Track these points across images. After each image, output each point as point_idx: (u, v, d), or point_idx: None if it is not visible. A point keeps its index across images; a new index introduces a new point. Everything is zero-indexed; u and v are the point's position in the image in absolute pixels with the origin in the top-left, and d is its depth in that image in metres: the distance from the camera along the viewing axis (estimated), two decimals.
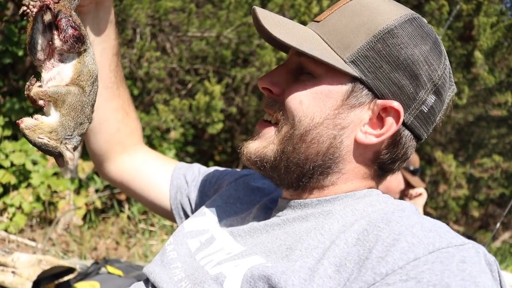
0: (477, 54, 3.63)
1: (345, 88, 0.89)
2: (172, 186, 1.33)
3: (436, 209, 5.83)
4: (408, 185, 2.84)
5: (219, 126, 3.86)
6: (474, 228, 6.88)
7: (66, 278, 1.76)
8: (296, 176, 0.94)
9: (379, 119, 0.90)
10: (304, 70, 0.93)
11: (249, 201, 1.14)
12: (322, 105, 0.90)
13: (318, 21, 0.94)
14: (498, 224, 3.14)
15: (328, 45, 0.89)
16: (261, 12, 0.90)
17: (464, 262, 0.66)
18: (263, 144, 0.95)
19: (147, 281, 1.03)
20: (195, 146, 6.04)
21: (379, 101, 0.89)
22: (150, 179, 1.35)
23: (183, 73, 4.35)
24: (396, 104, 0.88)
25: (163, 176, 1.35)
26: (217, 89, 3.70)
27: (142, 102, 4.72)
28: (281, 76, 0.96)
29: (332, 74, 0.89)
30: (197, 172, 1.36)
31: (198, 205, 1.28)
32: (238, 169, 1.35)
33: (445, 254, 0.67)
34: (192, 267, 0.94)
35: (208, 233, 1.05)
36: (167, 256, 1.03)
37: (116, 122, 1.29)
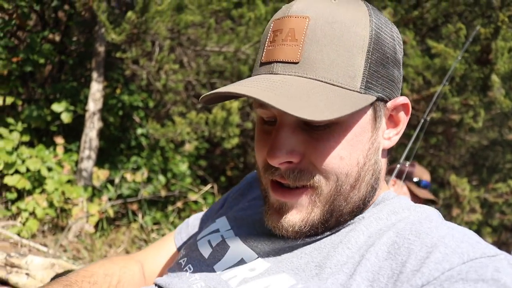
0: (494, 77, 3.63)
1: (369, 115, 0.83)
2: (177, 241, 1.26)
3: None
4: (415, 197, 2.82)
5: (235, 141, 3.88)
6: None
7: None
8: (348, 219, 0.87)
9: (390, 119, 0.89)
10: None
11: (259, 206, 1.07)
12: (361, 146, 0.83)
13: (294, 62, 0.79)
14: None
15: (336, 86, 0.78)
16: (265, 96, 0.73)
17: (499, 271, 0.65)
18: (304, 212, 0.84)
19: None
20: (207, 160, 6.06)
21: (389, 104, 0.87)
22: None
23: (200, 86, 4.40)
24: (402, 99, 0.88)
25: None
26: (235, 105, 3.73)
27: (158, 114, 4.77)
28: (291, 140, 0.81)
29: (357, 111, 0.80)
30: (193, 217, 1.30)
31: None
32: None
33: (479, 264, 0.66)
34: (213, 280, 0.89)
35: (217, 235, 1.01)
36: (180, 266, 0.99)
37: None
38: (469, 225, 5.77)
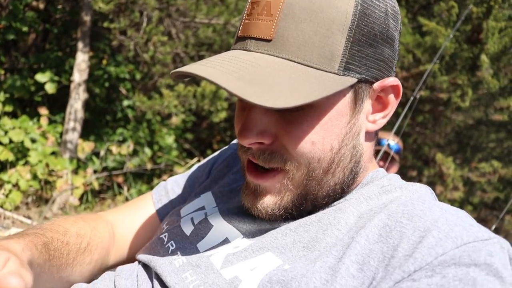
0: (483, 57, 3.63)
1: (348, 98, 0.78)
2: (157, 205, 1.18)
3: None
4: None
5: (223, 114, 3.85)
6: None
7: None
8: (328, 199, 0.85)
9: (378, 100, 0.83)
10: None
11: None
12: (337, 131, 0.79)
13: (267, 40, 0.74)
14: (492, 228, 3.17)
15: (310, 66, 0.73)
16: (224, 81, 0.68)
17: (492, 256, 0.65)
18: (277, 195, 0.82)
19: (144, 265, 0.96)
20: (194, 134, 6.03)
21: (376, 85, 0.80)
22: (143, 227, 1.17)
23: (188, 59, 4.33)
24: (392, 80, 0.81)
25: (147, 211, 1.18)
26: None
27: (145, 86, 4.71)
28: (262, 120, 0.77)
29: (332, 94, 0.76)
30: (174, 180, 1.22)
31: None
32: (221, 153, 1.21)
33: (472, 248, 0.65)
34: (195, 257, 0.87)
35: (202, 212, 0.98)
36: (163, 242, 0.96)
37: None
38: (451, 202, 5.87)
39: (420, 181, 5.97)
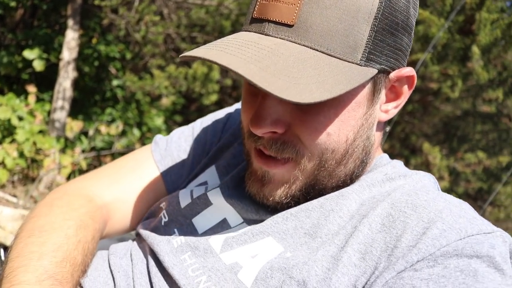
0: (475, 49, 3.65)
1: (367, 89, 0.76)
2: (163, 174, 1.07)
3: None
4: None
5: (214, 97, 3.83)
6: None
7: None
8: (335, 189, 0.83)
9: (391, 90, 0.81)
10: None
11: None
12: (353, 122, 0.76)
13: (288, 25, 0.70)
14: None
15: (333, 56, 0.70)
16: (248, 73, 0.64)
17: (494, 248, 0.65)
18: (286, 185, 0.80)
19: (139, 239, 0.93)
20: (183, 116, 6.00)
21: (392, 75, 0.78)
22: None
23: (179, 40, 4.29)
24: (408, 70, 0.79)
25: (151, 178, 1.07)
26: None
27: (135, 66, 4.66)
28: (277, 109, 0.74)
29: None
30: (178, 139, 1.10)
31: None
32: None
33: (475, 240, 0.65)
34: (194, 238, 0.85)
35: (202, 187, 0.94)
36: (161, 212, 0.93)
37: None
38: None
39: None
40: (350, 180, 0.83)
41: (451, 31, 3.70)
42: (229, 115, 1.13)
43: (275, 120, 0.74)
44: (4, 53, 4.25)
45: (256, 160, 0.81)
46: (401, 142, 5.93)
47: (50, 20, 4.91)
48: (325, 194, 0.82)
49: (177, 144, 1.10)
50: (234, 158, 1.01)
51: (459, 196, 6.83)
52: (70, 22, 4.19)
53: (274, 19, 0.70)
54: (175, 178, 1.07)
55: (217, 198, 0.91)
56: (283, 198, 0.80)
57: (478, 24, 3.52)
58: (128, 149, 4.75)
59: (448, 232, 0.66)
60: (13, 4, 4.18)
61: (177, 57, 4.56)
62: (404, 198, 0.75)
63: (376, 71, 0.73)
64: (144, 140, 5.17)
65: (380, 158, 0.89)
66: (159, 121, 5.12)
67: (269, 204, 0.82)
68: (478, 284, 0.61)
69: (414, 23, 0.81)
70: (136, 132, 5.03)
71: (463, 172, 6.06)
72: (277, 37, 0.70)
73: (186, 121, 6.20)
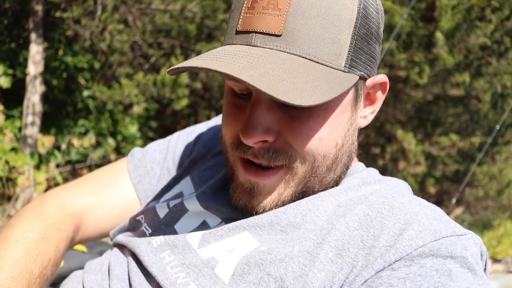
0: (438, 35, 3.72)
1: (351, 95, 0.79)
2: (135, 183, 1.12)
3: None
4: None
5: (184, 102, 3.81)
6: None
7: None
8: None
9: (367, 97, 0.85)
10: None
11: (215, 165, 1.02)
12: (340, 127, 0.79)
13: (276, 35, 0.72)
14: (453, 200, 3.29)
15: (321, 64, 0.73)
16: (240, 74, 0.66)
17: (466, 249, 0.68)
18: (277, 193, 0.81)
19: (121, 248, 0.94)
20: (158, 121, 5.97)
21: (368, 82, 0.82)
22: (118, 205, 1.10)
23: (146, 46, 4.26)
24: (382, 77, 0.84)
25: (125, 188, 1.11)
26: None
27: (104, 75, 4.61)
28: (266, 118, 0.75)
29: None
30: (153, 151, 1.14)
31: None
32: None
33: (449, 242, 0.68)
34: (172, 236, 0.86)
35: (179, 200, 0.96)
36: (140, 223, 0.95)
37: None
38: (414, 177, 6.04)
39: (383, 158, 6.11)
40: (336, 184, 0.85)
41: (414, 19, 3.75)
42: (203, 129, 1.16)
43: (266, 129, 0.75)
44: None
45: (244, 172, 0.81)
46: (376, 130, 6.00)
47: (13, 34, 4.82)
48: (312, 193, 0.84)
49: (151, 156, 1.13)
50: (209, 169, 1.03)
51: (438, 179, 6.94)
52: (33, 35, 4.12)
53: (262, 30, 0.72)
54: (146, 187, 1.10)
55: (192, 205, 0.92)
56: (273, 208, 0.81)
57: (439, 11, 3.59)
58: (104, 159, 4.71)
59: (424, 233, 0.69)
60: None
61: (145, 63, 4.53)
62: (381, 200, 0.78)
63: (358, 77, 0.76)
64: (120, 149, 5.13)
65: (356, 166, 0.92)
66: (133, 129, 5.09)
67: (257, 214, 0.82)
68: (452, 283, 0.63)
69: (382, 31, 0.85)
70: (111, 141, 4.98)
71: (439, 155, 6.17)
72: (266, 47, 0.72)
73: (162, 126, 6.17)
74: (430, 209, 0.76)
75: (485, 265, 0.72)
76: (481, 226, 8.70)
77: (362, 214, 0.76)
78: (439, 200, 7.40)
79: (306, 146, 0.76)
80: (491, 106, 7.62)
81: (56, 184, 4.20)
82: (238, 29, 0.75)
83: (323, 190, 0.83)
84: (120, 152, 5.05)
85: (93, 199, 1.08)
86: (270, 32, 0.71)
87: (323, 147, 0.78)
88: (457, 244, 0.68)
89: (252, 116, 0.75)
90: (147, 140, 5.57)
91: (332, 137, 0.78)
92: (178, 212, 0.92)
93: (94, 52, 4.59)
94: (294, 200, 0.82)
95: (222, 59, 0.70)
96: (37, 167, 4.15)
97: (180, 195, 0.99)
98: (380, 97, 0.86)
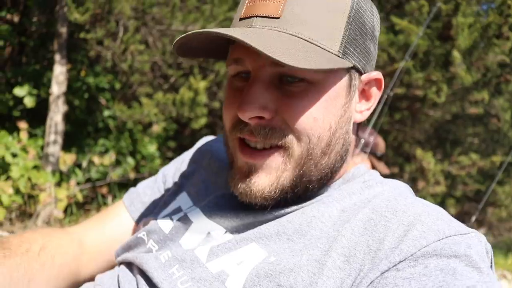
0: (455, 53, 3.72)
1: (345, 81, 0.82)
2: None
3: None
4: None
5: (203, 121, 3.86)
6: None
7: None
8: (316, 187, 0.86)
9: (363, 93, 0.88)
10: (288, 78, 0.79)
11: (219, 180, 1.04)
12: (334, 110, 0.81)
13: (274, 17, 0.76)
14: (473, 218, 3.23)
15: (316, 45, 0.76)
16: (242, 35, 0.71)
17: (470, 248, 0.68)
18: (274, 175, 0.81)
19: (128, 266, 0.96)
20: (176, 141, 6.03)
21: (363, 77, 0.86)
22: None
23: (165, 67, 4.35)
24: (376, 74, 0.87)
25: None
26: (202, 85, 3.70)
27: (124, 95, 4.70)
28: (264, 95, 0.78)
29: (332, 74, 0.80)
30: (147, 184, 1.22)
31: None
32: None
33: (453, 241, 0.69)
34: (180, 251, 0.87)
35: (180, 213, 0.97)
36: (143, 241, 0.96)
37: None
38: (434, 197, 5.96)
39: (402, 177, 6.05)
40: (331, 173, 0.86)
41: (431, 38, 3.76)
42: (185, 153, 1.22)
43: (263, 106, 0.78)
44: None
45: (241, 154, 0.83)
46: (395, 150, 5.97)
47: (38, 56, 4.97)
48: (311, 189, 0.85)
49: (143, 184, 1.21)
50: (203, 183, 1.05)
51: (458, 199, 6.82)
52: (57, 56, 4.25)
53: (261, 14, 0.77)
54: (138, 206, 1.16)
55: (196, 216, 0.93)
56: (272, 192, 0.81)
57: (455, 29, 3.59)
58: (124, 178, 4.77)
59: (428, 234, 0.70)
60: (1, 43, 4.24)
61: (164, 84, 4.62)
62: (384, 203, 0.79)
63: (351, 65, 0.80)
64: (139, 168, 5.19)
65: (357, 168, 0.93)
66: (152, 148, 5.15)
67: (257, 201, 0.83)
68: (457, 281, 0.64)
69: (378, 36, 0.90)
70: (130, 161, 5.05)
71: (458, 175, 6.08)
72: (264, 28, 0.76)
73: (180, 147, 6.23)
74: (433, 210, 0.77)
75: (491, 263, 0.72)
76: (505, 248, 8.49)
77: (366, 219, 0.77)
78: (461, 221, 7.24)
79: (301, 125, 0.79)
80: (511, 125, 7.51)
81: (77, 202, 4.27)
82: (241, 17, 0.81)
83: (320, 176, 0.84)
84: (139, 171, 5.11)
85: (87, 226, 1.15)
86: (269, 15, 0.77)
87: (318, 128, 0.80)
88: (460, 243, 0.69)
89: (249, 92, 0.79)
90: (165, 160, 5.63)
91: (326, 119, 0.80)
92: (183, 225, 0.93)
93: (115, 73, 4.70)
94: (294, 187, 0.83)
95: (223, 31, 0.73)
96: (58, 184, 4.22)
97: (179, 209, 1.01)
98: (376, 93, 0.89)
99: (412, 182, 5.86)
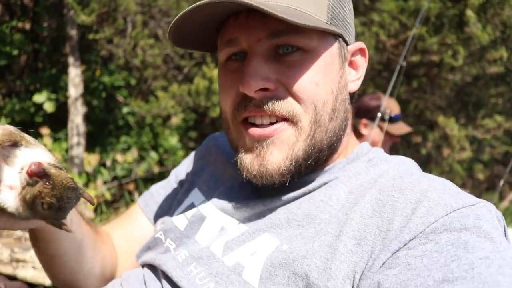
0: (469, 13, 3.61)
1: (336, 48, 0.85)
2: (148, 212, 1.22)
3: (441, 174, 5.83)
4: (390, 135, 2.64)
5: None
6: (481, 190, 6.88)
7: None
8: (325, 158, 0.88)
9: (351, 64, 0.92)
10: (284, 49, 0.81)
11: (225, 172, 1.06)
12: (332, 76, 0.84)
13: None
14: (501, 182, 3.16)
15: (303, 12, 0.80)
16: None
17: (479, 219, 0.68)
18: (287, 148, 0.82)
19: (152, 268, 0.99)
20: (197, 131, 6.06)
21: (350, 48, 0.90)
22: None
23: (178, 58, 4.36)
24: (359, 44, 0.92)
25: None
26: (216, 73, 3.70)
27: (141, 91, 4.74)
28: (264, 68, 0.81)
29: (324, 40, 0.83)
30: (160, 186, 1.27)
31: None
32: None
33: (460, 214, 0.69)
34: (196, 249, 0.89)
35: (194, 209, 0.99)
36: (161, 241, 0.99)
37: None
38: (460, 163, 5.86)
39: (425, 146, 5.96)
40: (336, 143, 0.88)
41: (442, 0, 3.67)
42: (194, 152, 1.25)
43: (265, 77, 0.81)
44: (16, 100, 4.39)
45: (250, 134, 0.84)
46: (416, 119, 5.87)
47: (53, 60, 5.05)
48: (322, 160, 0.87)
49: (158, 185, 1.25)
50: (213, 177, 1.07)
51: (486, 163, 6.68)
52: (71, 59, 4.30)
53: None
54: (152, 207, 1.19)
55: (208, 210, 0.96)
56: (288, 164, 0.82)
57: None
58: (148, 173, 4.83)
59: (435, 209, 0.70)
60: (15, 52, 4.32)
61: (179, 75, 4.63)
62: (390, 183, 0.80)
63: (338, 31, 0.84)
64: (163, 161, 5.25)
65: (361, 147, 0.94)
66: (173, 140, 5.19)
67: (274, 180, 0.83)
68: (469, 254, 0.63)
69: (352, 8, 0.94)
70: (154, 155, 5.10)
71: (484, 139, 5.96)
72: (256, 3, 0.76)
73: (202, 136, 6.26)
74: (439, 183, 0.76)
75: (504, 230, 0.71)
76: None
77: (374, 200, 0.78)
78: (491, 186, 7.13)
79: (304, 92, 0.81)
80: None
81: (105, 200, 4.35)
82: None
83: (329, 143, 0.86)
84: (163, 164, 5.17)
85: (112, 229, 1.21)
86: None
87: (321, 93, 0.82)
88: (469, 215, 0.69)
89: (250, 67, 0.81)
90: (188, 150, 5.68)
91: (327, 84, 0.83)
92: (197, 221, 0.96)
93: (129, 69, 4.74)
94: (307, 158, 0.84)
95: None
96: (86, 185, 4.30)
97: (192, 205, 1.03)
98: (362, 63, 0.93)
99: (437, 150, 5.77)
